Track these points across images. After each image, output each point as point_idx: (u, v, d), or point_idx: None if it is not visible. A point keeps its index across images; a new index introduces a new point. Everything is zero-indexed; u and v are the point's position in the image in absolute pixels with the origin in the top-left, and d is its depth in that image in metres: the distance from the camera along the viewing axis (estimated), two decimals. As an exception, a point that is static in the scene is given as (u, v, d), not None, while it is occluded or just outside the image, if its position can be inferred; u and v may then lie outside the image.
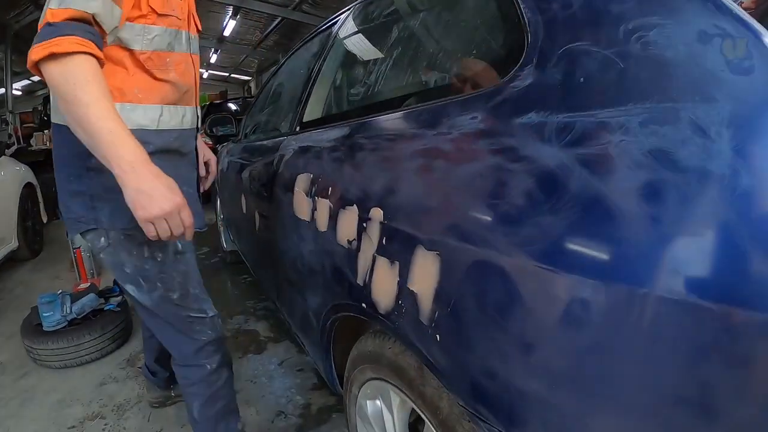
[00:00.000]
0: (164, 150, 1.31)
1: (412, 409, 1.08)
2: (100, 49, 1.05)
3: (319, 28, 2.21)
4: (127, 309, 2.87)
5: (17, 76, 15.48)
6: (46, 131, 8.61)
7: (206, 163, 1.69)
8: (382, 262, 0.98)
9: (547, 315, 0.64)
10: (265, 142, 2.18)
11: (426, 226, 0.87)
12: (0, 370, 2.67)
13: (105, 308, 2.80)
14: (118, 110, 1.06)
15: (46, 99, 12.54)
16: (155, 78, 1.25)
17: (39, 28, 1.03)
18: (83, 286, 3.06)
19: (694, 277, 0.52)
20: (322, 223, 1.25)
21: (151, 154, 1.11)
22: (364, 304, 1.06)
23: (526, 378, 0.68)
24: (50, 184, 5.79)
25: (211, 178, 1.72)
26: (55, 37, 0.99)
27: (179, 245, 1.37)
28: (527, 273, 0.67)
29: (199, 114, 1.49)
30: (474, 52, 1.12)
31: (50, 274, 4.31)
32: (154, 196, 1.04)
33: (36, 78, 16.90)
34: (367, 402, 1.29)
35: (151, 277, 1.34)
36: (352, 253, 1.10)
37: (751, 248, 0.48)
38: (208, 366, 1.49)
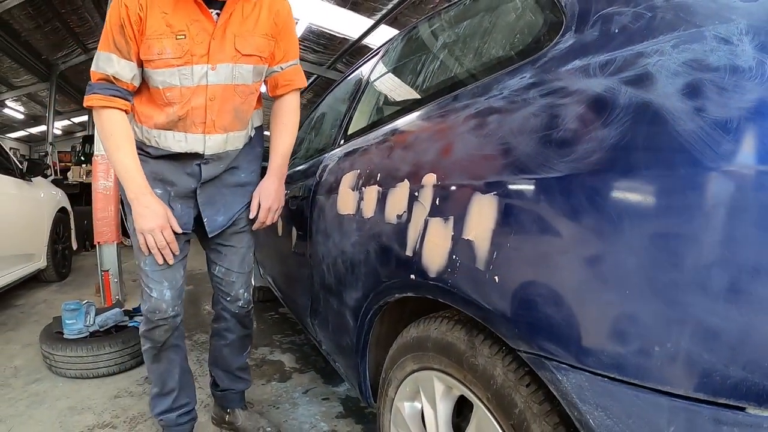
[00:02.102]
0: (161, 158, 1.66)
1: (454, 406, 1.08)
2: (126, 98, 1.53)
3: (358, 64, 2.35)
4: (151, 328, 2.85)
5: (59, 115, 16.23)
6: (83, 165, 8.92)
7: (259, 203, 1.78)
8: (434, 223, 0.99)
9: (614, 224, 0.65)
10: (301, 167, 2.25)
11: (480, 174, 0.90)
12: (12, 373, 2.66)
13: (129, 324, 2.80)
14: (137, 128, 1.61)
15: (85, 138, 13.02)
16: (157, 107, 1.59)
17: None
18: (107, 306, 3.11)
19: (746, 149, 0.57)
20: (369, 210, 1.28)
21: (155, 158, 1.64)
22: (413, 275, 1.06)
23: (596, 296, 0.67)
24: (84, 216, 5.96)
25: (257, 223, 1.79)
26: (90, 94, 1.50)
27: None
28: (590, 186, 0.69)
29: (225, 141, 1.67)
30: (516, 38, 1.19)
31: (74, 296, 4.36)
32: (145, 217, 1.55)
33: (76, 119, 17.48)
34: (405, 404, 1.25)
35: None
36: (401, 227, 1.11)
37: None
38: (140, 335, 1.76)
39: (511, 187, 0.82)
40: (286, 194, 1.85)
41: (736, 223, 0.56)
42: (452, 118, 1.09)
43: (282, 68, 1.70)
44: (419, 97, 1.51)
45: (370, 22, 8.31)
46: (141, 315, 2.90)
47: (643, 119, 0.66)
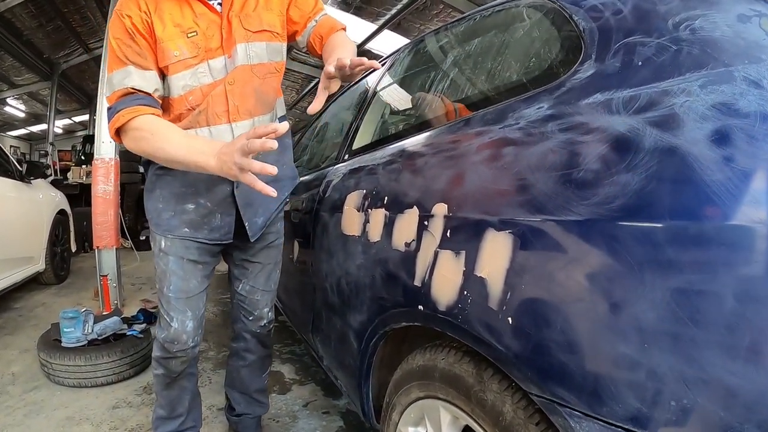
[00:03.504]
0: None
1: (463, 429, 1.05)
2: (153, 105, 1.41)
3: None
4: (149, 337, 2.83)
5: (60, 114, 16.25)
6: (83, 166, 8.95)
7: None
8: (445, 256, 0.97)
9: (634, 274, 0.64)
10: (305, 178, 2.22)
11: (495, 210, 0.88)
12: (10, 380, 2.63)
13: (127, 333, 2.78)
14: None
15: (86, 138, 12.95)
16: (177, 117, 1.50)
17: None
18: (105, 313, 3.08)
19: None
20: (375, 233, 1.26)
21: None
22: (420, 306, 1.04)
23: (612, 347, 0.66)
24: (83, 217, 5.96)
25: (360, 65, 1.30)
26: (115, 115, 1.37)
27: (163, 244, 1.58)
28: (610, 233, 0.68)
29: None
30: (532, 61, 1.17)
31: (73, 299, 4.35)
32: (227, 164, 1.21)
33: (77, 118, 17.48)
34: (409, 429, 1.23)
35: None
36: (409, 255, 1.09)
37: None
38: (153, 359, 1.69)
39: (527, 226, 0.80)
40: (287, 201, 1.79)
41: (760, 282, 0.55)
42: (465, 144, 1.06)
43: (316, 21, 1.60)
44: (428, 118, 1.48)
45: (373, 26, 8.34)
46: (139, 323, 2.90)
47: (669, 165, 0.64)
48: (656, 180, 0.64)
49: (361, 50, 9.36)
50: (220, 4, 1.46)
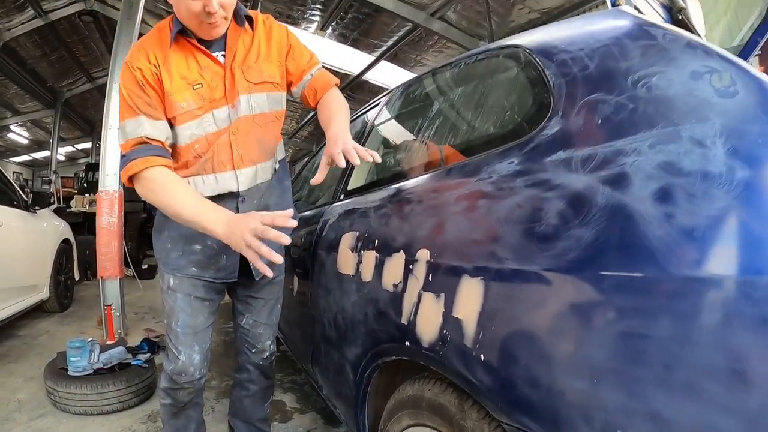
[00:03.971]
0: None
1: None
2: (165, 154, 1.49)
3: (357, 113, 2.45)
4: (153, 366, 2.91)
5: (63, 141, 16.36)
6: (87, 195, 9.07)
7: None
8: (427, 297, 1.07)
9: (586, 318, 0.73)
10: (304, 214, 2.32)
11: (469, 257, 0.98)
12: (16, 407, 2.69)
13: (132, 363, 2.85)
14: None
15: (89, 166, 13.05)
16: (184, 164, 1.59)
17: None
18: (110, 343, 3.14)
19: (708, 257, 0.63)
20: (368, 274, 1.35)
21: None
22: (407, 342, 1.13)
23: (568, 382, 0.75)
24: (86, 245, 6.02)
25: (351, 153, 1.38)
26: (128, 163, 1.44)
27: (171, 282, 1.65)
28: (566, 283, 0.77)
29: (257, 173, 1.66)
30: (508, 113, 1.27)
31: (76, 328, 4.41)
32: (234, 236, 1.32)
33: (79, 146, 17.53)
34: (402, 453, 1.31)
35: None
36: (397, 296, 1.19)
37: (752, 220, 0.62)
38: (161, 389, 1.75)
39: (496, 274, 0.89)
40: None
41: (694, 328, 0.62)
42: (445, 195, 1.17)
43: (312, 75, 1.70)
44: (413, 165, 1.59)
45: (371, 58, 8.47)
46: (144, 352, 2.98)
47: (617, 222, 0.72)
48: (606, 235, 0.73)
49: (359, 81, 9.52)
50: (223, 55, 1.54)
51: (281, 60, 1.66)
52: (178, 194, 1.44)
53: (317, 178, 1.40)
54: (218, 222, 1.36)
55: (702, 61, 0.82)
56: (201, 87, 1.52)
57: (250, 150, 1.61)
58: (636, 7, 1.17)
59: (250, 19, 1.59)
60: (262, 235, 1.26)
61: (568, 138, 0.91)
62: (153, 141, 1.47)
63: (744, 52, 1.69)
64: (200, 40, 1.51)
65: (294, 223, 1.29)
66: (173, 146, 1.57)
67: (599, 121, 0.86)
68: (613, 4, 1.20)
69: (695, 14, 1.31)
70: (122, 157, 1.49)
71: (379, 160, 1.35)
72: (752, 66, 0.79)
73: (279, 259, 1.26)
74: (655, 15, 1.22)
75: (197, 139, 1.55)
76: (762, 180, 0.64)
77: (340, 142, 1.37)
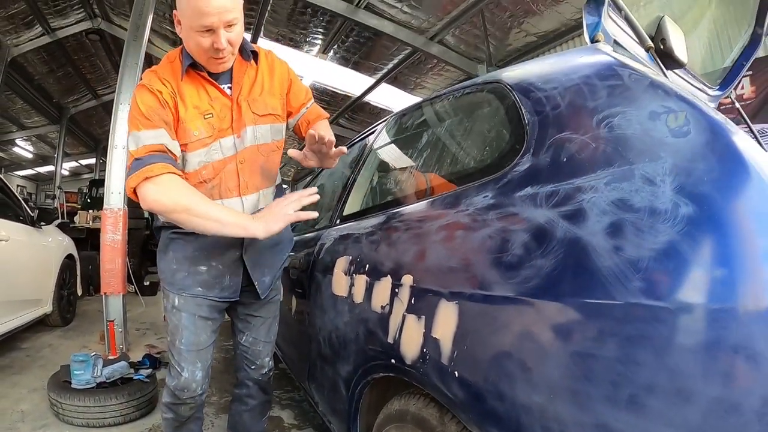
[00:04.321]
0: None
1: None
2: (179, 169, 1.54)
3: (354, 139, 2.57)
4: (155, 381, 2.99)
5: (67, 156, 16.51)
6: (90, 211, 9.18)
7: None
8: (410, 319, 1.17)
9: (544, 339, 0.83)
10: (304, 236, 2.43)
11: (446, 283, 1.08)
12: (19, 418, 2.76)
13: (134, 377, 2.93)
14: None
15: (92, 182, 13.17)
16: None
17: (128, 167, 1.53)
18: (113, 357, 3.21)
19: (649, 286, 0.71)
20: (359, 296, 1.45)
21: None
22: (393, 360, 1.23)
23: (529, 397, 0.84)
24: (89, 261, 6.08)
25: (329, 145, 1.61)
26: (144, 166, 1.45)
27: (176, 302, 1.72)
28: (527, 307, 0.87)
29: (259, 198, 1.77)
30: (487, 148, 1.38)
31: (78, 342, 4.48)
32: (269, 225, 1.51)
33: (83, 161, 17.64)
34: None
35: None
36: (384, 317, 1.29)
37: (691, 253, 0.69)
38: (163, 404, 1.81)
39: (469, 298, 1.00)
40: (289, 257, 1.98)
41: (637, 349, 0.70)
42: (428, 224, 1.27)
43: (307, 108, 1.85)
44: (403, 194, 1.70)
45: (371, 80, 8.65)
46: (145, 368, 3.06)
47: (573, 253, 0.81)
48: (563, 264, 0.82)
49: (360, 103, 9.67)
50: (230, 87, 1.65)
51: (283, 94, 1.77)
52: (204, 200, 1.51)
53: (292, 152, 1.64)
54: (250, 219, 1.53)
55: (661, 102, 0.88)
56: (212, 117, 1.61)
57: (255, 177, 1.72)
58: (616, 41, 1.23)
59: (255, 54, 1.70)
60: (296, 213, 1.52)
61: (536, 175, 0.99)
62: (171, 153, 1.53)
63: (731, 74, 1.76)
64: (209, 73, 1.61)
65: (317, 198, 1.55)
66: (181, 171, 1.64)
67: (564, 159, 0.95)
68: (592, 41, 1.24)
69: (677, 43, 1.35)
70: (135, 161, 1.48)
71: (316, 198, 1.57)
72: (744, 85, 0.87)
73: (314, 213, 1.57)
74: (636, 47, 1.28)
75: (204, 166, 1.63)
76: (704, 215, 0.70)
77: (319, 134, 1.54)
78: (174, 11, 1.52)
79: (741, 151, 0.75)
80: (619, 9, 1.18)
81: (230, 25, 1.47)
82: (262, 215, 1.54)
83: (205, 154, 1.63)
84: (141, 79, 1.62)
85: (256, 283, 1.78)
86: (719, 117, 0.82)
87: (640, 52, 1.27)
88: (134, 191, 1.49)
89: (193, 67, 1.59)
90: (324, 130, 1.71)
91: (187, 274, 1.73)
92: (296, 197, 1.54)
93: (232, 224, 1.50)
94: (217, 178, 1.66)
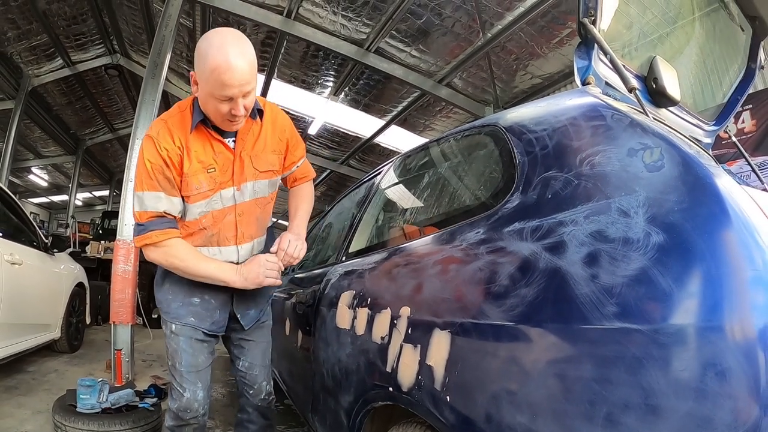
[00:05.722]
0: None
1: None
2: (177, 226, 1.72)
3: (362, 180, 2.68)
4: (159, 410, 3.03)
5: (81, 187, 16.70)
6: (102, 241, 9.32)
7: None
8: (407, 348, 1.24)
9: (527, 363, 0.90)
10: (312, 273, 2.51)
11: (440, 313, 1.16)
12: None
13: (139, 405, 2.98)
14: None
15: (105, 214, 13.36)
16: (190, 234, 1.81)
17: (134, 222, 1.72)
18: (119, 385, 3.27)
19: (622, 311, 0.77)
20: (361, 328, 1.53)
21: None
22: (391, 388, 1.29)
23: (513, 418, 0.91)
24: (98, 291, 6.10)
25: (280, 253, 1.83)
26: (146, 233, 1.67)
27: (173, 328, 1.85)
28: (512, 334, 0.95)
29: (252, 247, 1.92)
30: (481, 187, 1.47)
31: (85, 369, 4.51)
32: (249, 279, 1.76)
33: (97, 193, 17.83)
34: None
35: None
36: (384, 347, 1.36)
37: (660, 278, 0.74)
38: (167, 428, 1.89)
39: (460, 327, 1.07)
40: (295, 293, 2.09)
41: (612, 370, 0.75)
42: (425, 260, 1.36)
43: (298, 166, 2.00)
44: (402, 232, 1.80)
45: (381, 122, 8.78)
46: (151, 396, 3.12)
47: (554, 282, 0.88)
48: (544, 293, 0.89)
49: (370, 144, 9.82)
50: (233, 141, 1.75)
51: (282, 149, 1.90)
52: (196, 260, 1.74)
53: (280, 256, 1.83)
54: (233, 274, 1.76)
55: (639, 139, 0.94)
56: (214, 171, 1.72)
57: (251, 228, 1.87)
58: (607, 83, 1.31)
59: (261, 113, 1.80)
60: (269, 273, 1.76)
61: (524, 211, 1.07)
62: (168, 215, 1.70)
63: (726, 109, 1.83)
64: (216, 128, 1.71)
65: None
66: (181, 219, 1.77)
67: (549, 196, 1.02)
68: (583, 83, 1.31)
69: (669, 81, 1.40)
70: (138, 225, 1.70)
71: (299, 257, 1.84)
72: (744, 119, 0.93)
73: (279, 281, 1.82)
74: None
75: (205, 215, 1.76)
76: (673, 242, 0.75)
77: (286, 240, 1.81)
78: (191, 72, 1.62)
79: (711, 181, 0.80)
80: (605, 53, 1.25)
81: (247, 93, 1.57)
82: (244, 272, 1.77)
83: (206, 204, 1.75)
84: (151, 127, 1.73)
85: (239, 316, 1.92)
86: (692, 150, 0.87)
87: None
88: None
89: (202, 122, 1.69)
90: (301, 209, 2.02)
91: (181, 305, 1.85)
92: (275, 266, 1.79)
93: (219, 279, 1.76)
94: (216, 228, 1.79)
